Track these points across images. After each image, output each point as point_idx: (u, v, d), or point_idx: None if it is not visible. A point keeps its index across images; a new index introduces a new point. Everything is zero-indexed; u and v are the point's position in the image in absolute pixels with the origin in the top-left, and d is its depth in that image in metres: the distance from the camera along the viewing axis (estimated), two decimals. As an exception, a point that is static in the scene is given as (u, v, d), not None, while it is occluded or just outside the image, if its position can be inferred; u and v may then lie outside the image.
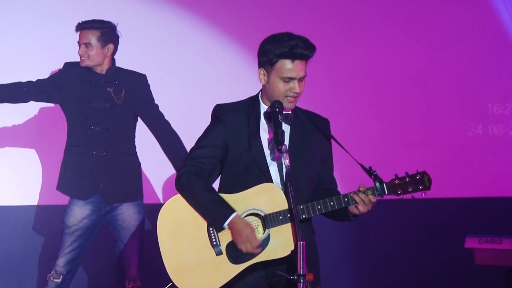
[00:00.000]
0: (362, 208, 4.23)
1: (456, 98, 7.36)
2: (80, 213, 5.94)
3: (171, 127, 6.22)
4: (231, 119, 4.32)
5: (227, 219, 4.18)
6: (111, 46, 5.97)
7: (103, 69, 5.98)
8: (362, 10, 7.25)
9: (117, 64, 6.07)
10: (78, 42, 5.97)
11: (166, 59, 6.92)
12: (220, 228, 4.21)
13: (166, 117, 6.16)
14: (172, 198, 4.31)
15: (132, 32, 6.75)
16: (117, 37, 6.03)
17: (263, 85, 4.33)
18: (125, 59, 6.53)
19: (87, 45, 5.92)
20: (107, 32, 5.95)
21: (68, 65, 6.06)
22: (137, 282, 6.04)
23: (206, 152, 4.30)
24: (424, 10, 7.33)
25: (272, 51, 4.22)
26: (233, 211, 4.19)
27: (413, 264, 7.29)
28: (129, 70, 6.12)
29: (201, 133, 4.37)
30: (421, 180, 4.26)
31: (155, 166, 6.75)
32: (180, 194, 4.29)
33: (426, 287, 7.32)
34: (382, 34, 7.26)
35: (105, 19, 6.03)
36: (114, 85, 5.96)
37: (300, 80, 4.25)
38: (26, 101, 6.09)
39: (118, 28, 6.02)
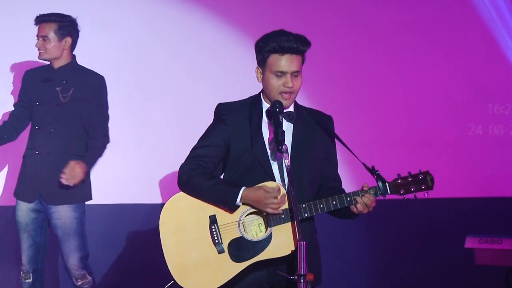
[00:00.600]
0: (360, 208, 4.23)
1: (456, 98, 7.36)
2: (25, 206, 5.91)
3: (106, 139, 5.98)
4: (233, 118, 4.32)
5: (237, 196, 4.18)
6: (68, 39, 5.92)
7: (60, 63, 5.94)
8: (363, 11, 7.24)
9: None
10: (36, 36, 5.95)
11: (169, 56, 6.89)
12: (234, 207, 4.19)
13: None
14: (174, 197, 4.30)
15: (133, 29, 6.74)
16: (77, 31, 5.97)
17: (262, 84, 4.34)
18: (126, 56, 6.52)
19: (44, 38, 5.90)
20: (65, 26, 5.91)
21: (26, 73, 6.04)
22: (86, 278, 5.95)
23: (207, 151, 4.30)
24: (425, 11, 7.33)
25: (263, 48, 4.25)
26: (240, 186, 4.19)
27: (413, 263, 7.28)
28: (87, 69, 6.01)
29: (204, 131, 4.37)
30: (424, 180, 4.25)
31: (154, 165, 6.74)
32: (184, 191, 4.29)
33: (426, 287, 7.31)
34: (383, 34, 7.26)
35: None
36: (63, 84, 5.90)
37: (295, 75, 4.24)
38: (22, 130, 6.07)
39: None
